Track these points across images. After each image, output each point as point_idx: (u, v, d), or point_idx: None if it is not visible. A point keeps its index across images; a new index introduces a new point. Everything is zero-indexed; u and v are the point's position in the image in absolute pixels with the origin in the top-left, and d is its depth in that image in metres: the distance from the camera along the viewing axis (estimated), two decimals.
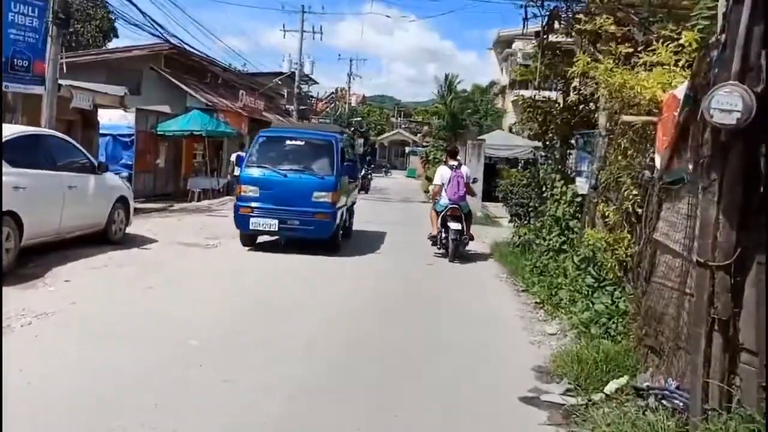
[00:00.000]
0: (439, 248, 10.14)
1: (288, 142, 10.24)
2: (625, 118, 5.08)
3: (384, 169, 51.83)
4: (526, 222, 11.00)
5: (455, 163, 10.05)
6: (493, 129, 34.77)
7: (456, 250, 9.66)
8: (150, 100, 20.11)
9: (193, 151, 20.49)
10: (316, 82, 45.24)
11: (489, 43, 48.27)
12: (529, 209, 10.56)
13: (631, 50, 6.19)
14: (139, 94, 20.78)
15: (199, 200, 18.74)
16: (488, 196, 23.16)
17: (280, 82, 29.23)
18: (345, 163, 10.15)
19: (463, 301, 7.09)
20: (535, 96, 9.07)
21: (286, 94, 35.65)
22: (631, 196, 5.07)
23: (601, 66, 5.64)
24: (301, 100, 36.97)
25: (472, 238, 10.28)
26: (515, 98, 10.24)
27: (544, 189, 8.86)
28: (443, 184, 9.88)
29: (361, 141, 56.20)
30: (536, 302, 6.69)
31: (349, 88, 55.89)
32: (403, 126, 69.04)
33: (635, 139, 5.27)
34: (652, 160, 5.10)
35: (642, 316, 4.59)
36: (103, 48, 25.37)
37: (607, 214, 5.65)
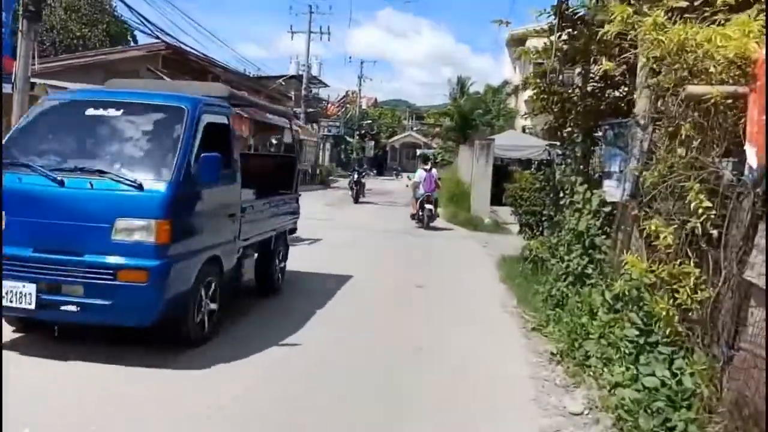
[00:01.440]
0: (417, 222, 14.81)
1: (91, 112, 4.87)
2: (693, 89, 3.29)
3: (395, 172, 50.11)
4: (538, 233, 9.19)
5: (428, 167, 15.48)
6: (506, 130, 32.87)
7: (428, 222, 14.61)
8: None
9: None
10: (326, 85, 43.68)
11: (501, 44, 46.31)
12: (543, 218, 8.76)
13: (685, 4, 4.40)
14: None
15: None
16: (498, 200, 21.38)
17: (283, 83, 27.63)
18: (208, 155, 4.69)
19: (459, 351, 5.24)
20: (550, 80, 7.23)
21: (293, 97, 34.14)
22: (700, 210, 3.28)
23: (648, 20, 3.86)
24: (308, 102, 35.43)
25: (438, 215, 15.45)
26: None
27: (561, 195, 7.06)
28: (420, 181, 14.83)
29: (371, 143, 54.66)
30: (552, 353, 4.88)
31: (360, 90, 54.31)
32: (415, 129, 67.21)
33: (704, 123, 3.48)
34: (730, 152, 3.33)
35: (728, 410, 2.79)
36: (99, 49, 24.04)
37: (656, 233, 3.84)
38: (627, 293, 4.04)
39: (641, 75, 5.23)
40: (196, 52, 20.42)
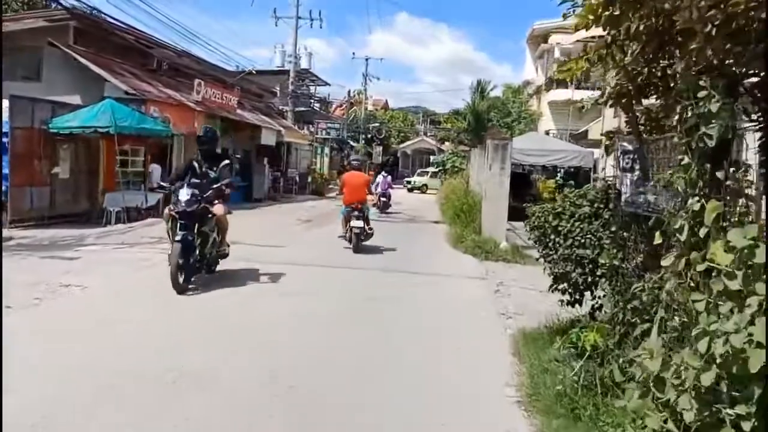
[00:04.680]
0: (376, 208, 18.76)
1: None
2: None
3: (406, 181, 46.08)
4: (584, 289, 5.10)
5: (384, 173, 22.86)
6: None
7: (384, 208, 20.62)
8: (54, 89, 15.08)
9: (116, 156, 14.90)
10: (325, 83, 39.86)
11: (523, 48, 42.15)
12: (597, 272, 4.68)
13: None
14: (39, 80, 15.73)
15: (117, 222, 13.80)
16: (518, 214, 17.30)
17: (254, 71, 23.77)
18: None
19: None
20: None
21: (278, 92, 30.31)
22: None
23: None
24: (297, 99, 31.61)
25: (390, 205, 21.72)
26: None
27: (654, 235, 2.99)
28: (379, 182, 21.26)
29: (379, 149, 50.71)
30: None
31: (366, 90, 50.41)
32: (429, 134, 62.92)
33: None
34: None
35: None
36: None
37: None
38: None
39: None
40: (120, 24, 16.39)
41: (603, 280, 4.63)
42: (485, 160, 14.59)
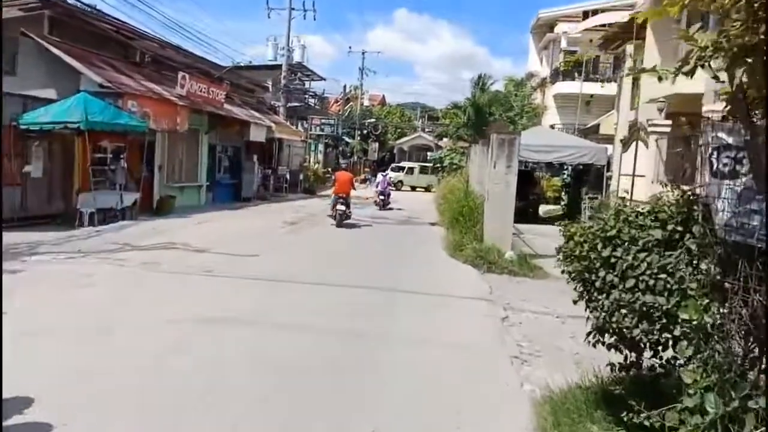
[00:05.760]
0: (375, 205, 21.21)
1: None
2: None
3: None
4: (651, 354, 3.46)
5: (385, 173, 23.93)
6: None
7: (383, 205, 21.21)
8: (30, 82, 13.89)
9: (94, 153, 13.65)
10: (321, 78, 38.03)
11: (526, 41, 40.41)
12: (674, 331, 3.03)
13: None
14: (15, 73, 14.51)
15: (90, 224, 12.81)
16: (523, 215, 15.79)
17: (243, 64, 22.14)
18: None
19: None
20: None
21: (271, 87, 28.56)
22: None
23: None
24: (290, 94, 29.89)
25: (390, 203, 22.04)
26: None
27: None
28: (379, 181, 22.21)
29: (375, 145, 49.02)
30: None
31: (362, 84, 48.66)
32: (426, 130, 61.05)
33: None
34: None
35: None
36: None
37: None
38: None
39: None
40: (98, 13, 14.90)
41: (684, 343, 2.99)
42: (488, 157, 12.91)
